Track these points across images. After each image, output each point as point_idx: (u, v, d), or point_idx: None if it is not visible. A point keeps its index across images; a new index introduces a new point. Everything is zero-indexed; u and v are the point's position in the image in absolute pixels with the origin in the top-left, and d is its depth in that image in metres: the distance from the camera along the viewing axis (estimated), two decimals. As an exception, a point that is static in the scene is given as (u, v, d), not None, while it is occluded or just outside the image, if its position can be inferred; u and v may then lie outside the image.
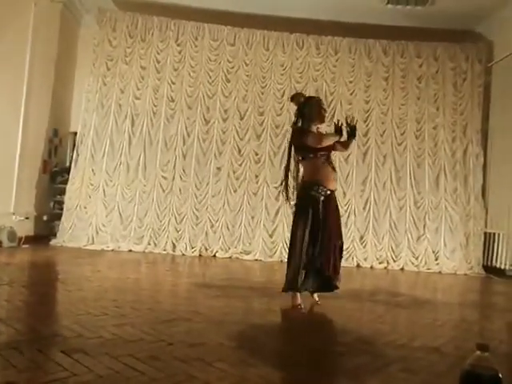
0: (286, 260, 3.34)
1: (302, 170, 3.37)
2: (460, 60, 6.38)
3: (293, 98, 3.57)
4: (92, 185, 6.36)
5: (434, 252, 6.08)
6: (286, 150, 3.45)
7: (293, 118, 3.54)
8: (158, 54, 6.52)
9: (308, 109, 3.39)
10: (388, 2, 6.00)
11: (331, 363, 2.12)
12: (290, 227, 3.34)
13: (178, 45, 6.51)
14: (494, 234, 6.05)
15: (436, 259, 6.06)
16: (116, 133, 6.43)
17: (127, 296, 3.32)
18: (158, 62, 6.50)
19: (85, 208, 6.32)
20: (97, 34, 6.49)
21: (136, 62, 6.47)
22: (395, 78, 6.41)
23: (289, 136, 6.17)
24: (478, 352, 1.52)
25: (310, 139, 3.27)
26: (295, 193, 3.36)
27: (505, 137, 5.96)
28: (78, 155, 6.40)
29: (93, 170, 6.37)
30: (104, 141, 6.41)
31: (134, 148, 6.41)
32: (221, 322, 2.71)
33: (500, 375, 1.48)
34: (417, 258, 6.08)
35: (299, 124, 3.42)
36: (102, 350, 2.00)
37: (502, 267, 5.81)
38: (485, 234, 6.16)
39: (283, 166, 3.51)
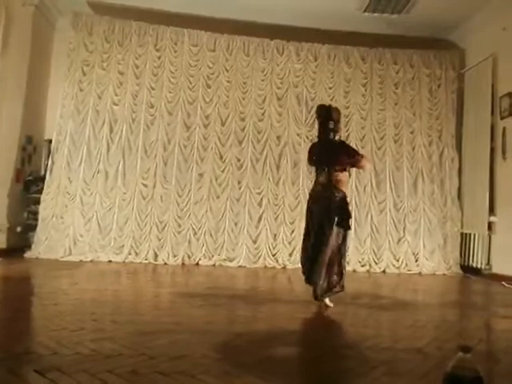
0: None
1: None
2: (434, 67, 6.60)
3: (334, 111, 3.80)
4: (68, 194, 6.15)
5: (414, 254, 6.24)
6: (336, 160, 3.66)
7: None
8: (137, 59, 6.40)
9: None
10: (365, 10, 6.13)
11: (315, 370, 2.10)
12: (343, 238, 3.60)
13: (157, 50, 6.42)
14: (470, 234, 6.27)
15: (416, 260, 6.22)
16: (93, 140, 6.25)
17: (106, 309, 3.23)
18: (137, 68, 6.39)
19: (61, 218, 6.10)
20: (72, 38, 6.31)
21: (114, 68, 6.33)
22: (373, 83, 6.56)
23: (271, 143, 6.29)
24: (461, 353, 1.55)
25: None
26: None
27: (477, 141, 6.19)
28: (53, 163, 6.19)
29: (69, 179, 6.17)
30: (81, 148, 6.22)
31: (113, 155, 6.25)
32: (204, 332, 2.66)
33: (482, 377, 1.52)
34: (398, 260, 6.21)
35: (337, 137, 3.78)
36: (80, 368, 1.90)
37: (479, 266, 6.02)
38: (461, 234, 6.37)
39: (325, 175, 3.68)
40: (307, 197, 3.97)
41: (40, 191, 6.14)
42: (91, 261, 5.86)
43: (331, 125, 3.71)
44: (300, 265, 3.83)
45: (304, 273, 3.72)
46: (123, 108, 6.31)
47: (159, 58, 6.43)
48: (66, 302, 3.36)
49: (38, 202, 6.11)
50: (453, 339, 2.87)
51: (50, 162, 6.21)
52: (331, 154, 3.69)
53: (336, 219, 3.53)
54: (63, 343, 2.24)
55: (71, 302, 3.36)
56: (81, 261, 5.81)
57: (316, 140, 3.88)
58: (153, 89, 6.38)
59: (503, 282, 5.22)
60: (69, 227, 6.06)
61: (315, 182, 3.79)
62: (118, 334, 2.47)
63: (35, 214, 6.17)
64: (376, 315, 3.52)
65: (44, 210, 6.04)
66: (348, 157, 3.70)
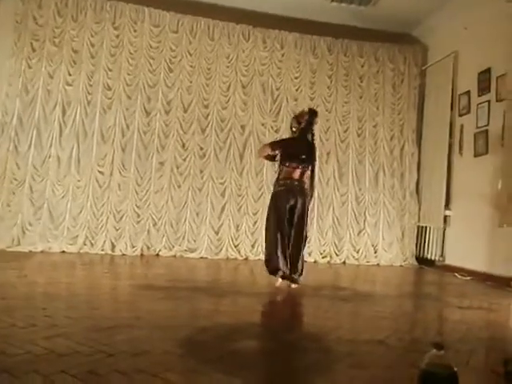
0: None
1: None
2: (398, 62, 6.67)
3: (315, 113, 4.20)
4: (16, 180, 5.71)
5: (373, 245, 6.38)
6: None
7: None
8: (92, 36, 5.97)
9: None
10: (333, 0, 6.06)
11: (282, 364, 2.07)
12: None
13: (116, 28, 6.02)
14: (426, 227, 6.50)
15: (375, 252, 6.38)
16: (44, 122, 5.82)
17: (59, 303, 3.02)
18: (93, 46, 5.96)
19: (8, 206, 5.67)
20: (19, 9, 5.77)
21: (67, 44, 5.87)
22: (339, 75, 6.53)
23: (235, 132, 6.21)
24: (434, 350, 1.56)
25: None
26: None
27: (436, 137, 6.37)
28: (-2, 146, 5.72)
29: (17, 164, 5.73)
30: (30, 131, 5.77)
31: (66, 139, 5.86)
32: (166, 326, 2.55)
33: (456, 373, 1.54)
34: (357, 252, 6.34)
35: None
36: (31, 368, 1.75)
37: (433, 258, 6.27)
38: (418, 227, 6.59)
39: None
40: (273, 188, 4.15)
41: (-17, 176, 5.66)
42: (42, 251, 5.53)
43: (313, 128, 4.09)
44: (266, 256, 4.03)
45: (275, 264, 3.93)
46: (77, 89, 5.90)
47: (117, 36, 6.03)
48: (15, 297, 3.11)
49: (-19, 188, 5.64)
50: (412, 330, 2.98)
51: (-6, 145, 5.73)
52: (309, 153, 4.03)
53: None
54: (12, 342, 2.06)
55: (20, 297, 3.12)
56: (30, 251, 5.47)
57: (290, 136, 4.15)
58: (110, 70, 6.00)
59: (456, 273, 5.46)
60: (17, 215, 5.66)
61: (288, 177, 3.98)
62: (72, 331, 2.31)
63: (-22, 201, 5.69)
64: (338, 307, 3.56)
65: (-12, 196, 5.60)
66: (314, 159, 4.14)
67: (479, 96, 5.59)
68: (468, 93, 5.82)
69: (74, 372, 1.73)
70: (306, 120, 4.07)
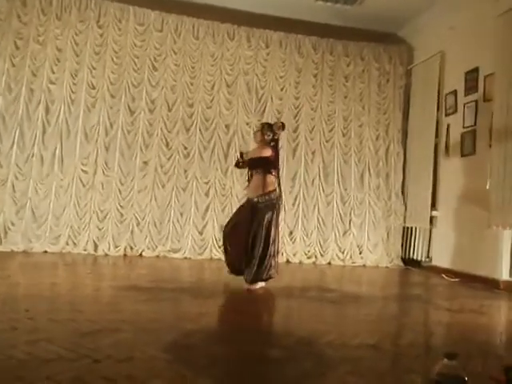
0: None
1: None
2: (384, 61, 6.64)
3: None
4: (-2, 178, 5.69)
5: (358, 246, 6.34)
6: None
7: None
8: (77, 35, 5.95)
9: None
10: (318, -1, 6.04)
11: (275, 371, 2.03)
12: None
13: (100, 27, 5.99)
14: (412, 228, 6.46)
15: (360, 253, 6.33)
16: (27, 121, 5.79)
17: (42, 305, 2.98)
18: (77, 45, 5.94)
19: (-11, 205, 5.65)
20: (3, 6, 5.74)
21: (51, 43, 5.85)
22: (324, 75, 6.50)
23: (219, 131, 6.19)
24: (446, 360, 1.51)
25: None
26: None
27: (422, 136, 6.34)
28: (-20, 145, 5.69)
29: (-1, 163, 5.71)
30: (13, 129, 5.74)
31: (49, 138, 5.83)
32: (151, 330, 2.50)
33: (467, 383, 1.48)
34: (343, 253, 6.30)
35: None
36: (14, 375, 1.70)
37: (419, 259, 6.23)
38: (403, 228, 6.55)
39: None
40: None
41: (-35, 175, 5.63)
42: (24, 251, 5.49)
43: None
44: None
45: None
46: (61, 87, 5.88)
47: (101, 35, 6.01)
48: None
49: (-38, 186, 5.61)
50: (403, 334, 2.95)
51: (-23, 144, 5.70)
52: None
53: None
54: None
55: (1, 298, 3.08)
56: (12, 251, 5.43)
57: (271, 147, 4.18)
58: (94, 68, 5.98)
59: (443, 275, 5.41)
60: (-2, 215, 5.63)
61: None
62: (56, 335, 2.27)
63: (-40, 200, 5.65)
64: (326, 309, 3.53)
65: (-30, 195, 5.56)
66: None
67: (466, 96, 5.57)
68: (455, 92, 5.80)
69: (59, 378, 1.68)
70: (277, 133, 4.23)
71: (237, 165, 4.40)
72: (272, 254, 3.99)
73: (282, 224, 4.60)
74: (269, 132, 4.17)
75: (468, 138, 5.49)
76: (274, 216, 4.04)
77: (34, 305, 2.96)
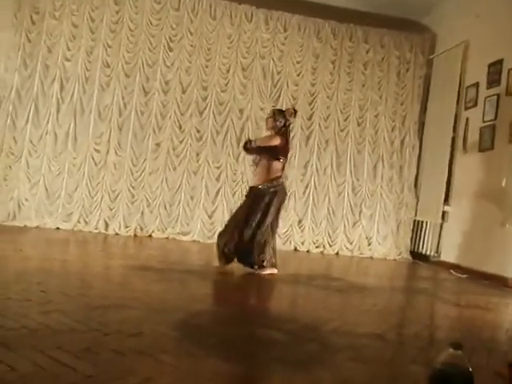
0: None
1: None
2: (405, 49, 6.43)
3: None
4: (13, 154, 5.75)
5: (367, 238, 6.31)
6: None
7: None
8: (93, 11, 5.87)
9: None
10: (340, -18, 5.84)
11: (280, 353, 2.05)
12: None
13: (116, 3, 5.90)
14: (423, 222, 6.40)
15: (369, 245, 6.31)
16: (42, 97, 5.80)
17: (54, 279, 3.04)
18: (93, 21, 5.87)
19: (5, 180, 5.73)
20: (20, -21, 5.68)
21: (67, 18, 5.80)
22: (342, 61, 6.33)
23: (233, 116, 6.12)
24: (451, 350, 1.48)
25: None
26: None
27: (439, 129, 6.20)
28: (-4, 120, 5.73)
29: (14, 138, 5.75)
30: (28, 106, 5.77)
31: (63, 116, 5.84)
32: (161, 309, 2.54)
33: (473, 375, 1.46)
34: (351, 244, 6.28)
35: None
36: (26, 343, 1.74)
37: (428, 253, 6.20)
38: (414, 221, 6.49)
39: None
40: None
41: (-19, 150, 5.70)
42: (37, 227, 5.60)
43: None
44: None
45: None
46: (76, 65, 5.85)
47: (117, 12, 5.92)
48: (10, 270, 3.14)
49: (-22, 161, 5.69)
50: (410, 326, 2.94)
51: (-8, 119, 5.75)
52: None
53: None
54: (7, 315, 2.06)
55: (15, 271, 3.13)
56: (25, 226, 5.54)
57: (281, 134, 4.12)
58: (109, 46, 5.92)
59: (451, 270, 5.38)
60: (13, 190, 5.72)
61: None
62: (68, 308, 2.31)
63: (-25, 174, 5.75)
64: (332, 298, 3.54)
65: (-15, 170, 5.65)
66: None
67: (488, 89, 5.39)
68: (476, 85, 5.61)
69: (69, 349, 1.71)
70: (289, 120, 4.16)
71: (245, 147, 4.33)
72: (264, 241, 3.93)
73: (282, 213, 4.52)
74: (280, 118, 4.12)
75: (487, 133, 5.35)
76: (274, 203, 3.98)
77: (47, 279, 3.01)
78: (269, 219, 3.95)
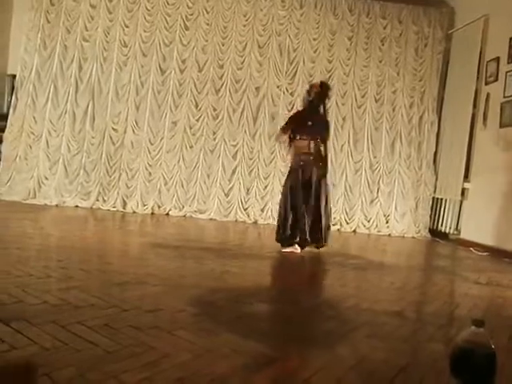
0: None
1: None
2: (423, 24, 6.32)
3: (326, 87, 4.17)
4: (33, 134, 5.88)
5: (385, 215, 6.23)
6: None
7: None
8: (110, -9, 5.94)
9: None
10: (357, -43, 5.77)
11: (298, 329, 2.04)
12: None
13: (132, -17, 5.96)
14: (442, 199, 6.30)
15: (387, 222, 6.23)
16: (61, 77, 5.90)
17: (74, 256, 3.07)
18: (110, 1, 5.94)
19: (25, 159, 5.86)
20: (39, -39, 5.77)
21: (84, -1, 5.87)
22: (359, 38, 6.26)
23: (249, 94, 6.08)
24: (473, 327, 1.43)
25: None
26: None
27: (459, 105, 6.08)
28: (16, 100, 5.87)
29: (34, 118, 5.88)
30: (47, 86, 5.88)
31: (82, 96, 5.93)
32: (178, 285, 2.56)
33: (495, 353, 1.42)
34: (369, 221, 6.21)
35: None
36: (47, 318, 1.77)
37: (447, 231, 6.09)
38: (433, 199, 6.39)
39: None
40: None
41: (2, 129, 5.83)
42: (56, 205, 5.69)
43: (326, 102, 4.13)
44: (277, 227, 4.11)
45: (301, 237, 3.99)
46: (94, 45, 5.93)
47: (135, -9, 5.97)
48: (31, 247, 3.18)
49: (0, 140, 5.81)
50: (429, 304, 2.90)
51: (13, 99, 5.86)
52: (318, 123, 4.04)
53: None
54: (28, 291, 2.09)
55: (36, 248, 3.19)
56: (45, 204, 5.65)
57: (300, 108, 4.21)
58: (127, 26, 5.98)
59: (471, 248, 5.28)
60: (33, 169, 5.84)
61: (299, 152, 4.04)
62: (87, 284, 2.35)
63: (-3, 153, 5.88)
64: (350, 275, 3.50)
65: (7, 149, 5.77)
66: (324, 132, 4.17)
67: (509, 63, 5.27)
68: (497, 59, 5.49)
69: (90, 324, 1.74)
70: (315, 93, 4.04)
71: None
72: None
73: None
74: (306, 96, 4.17)
75: (508, 108, 5.22)
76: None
77: (67, 255, 3.06)
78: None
